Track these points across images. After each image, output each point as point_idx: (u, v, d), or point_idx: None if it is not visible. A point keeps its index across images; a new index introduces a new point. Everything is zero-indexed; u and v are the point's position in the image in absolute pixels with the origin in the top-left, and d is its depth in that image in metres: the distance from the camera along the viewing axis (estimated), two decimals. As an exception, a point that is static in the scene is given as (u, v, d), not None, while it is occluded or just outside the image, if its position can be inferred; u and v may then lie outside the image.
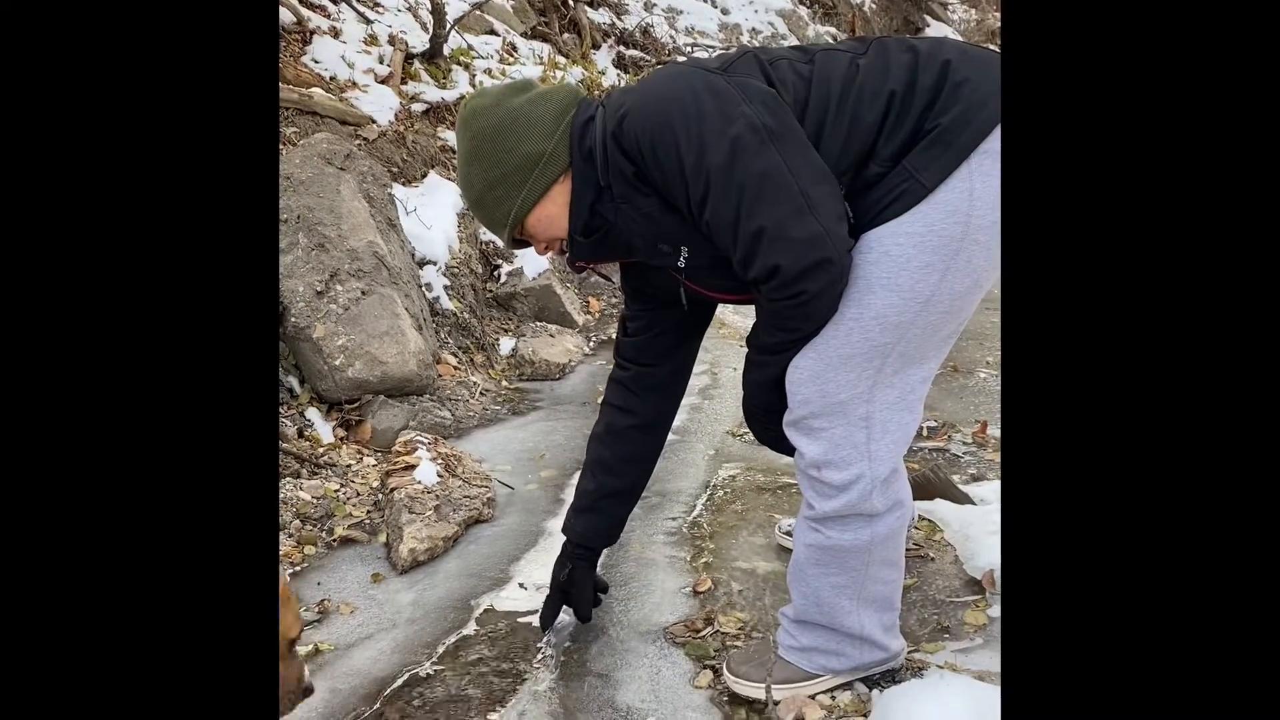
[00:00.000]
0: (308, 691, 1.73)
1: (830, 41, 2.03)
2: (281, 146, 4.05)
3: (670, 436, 3.39)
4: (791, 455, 1.75)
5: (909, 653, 1.90)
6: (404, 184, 4.62)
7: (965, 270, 1.55)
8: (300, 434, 3.18)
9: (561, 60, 7.03)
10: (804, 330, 1.61)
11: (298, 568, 2.51)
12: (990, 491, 2.66)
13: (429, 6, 5.69)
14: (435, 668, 2.03)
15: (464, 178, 1.72)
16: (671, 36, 9.10)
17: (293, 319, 3.33)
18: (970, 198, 1.50)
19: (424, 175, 4.84)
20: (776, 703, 1.80)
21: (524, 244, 1.78)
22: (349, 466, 3.09)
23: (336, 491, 2.89)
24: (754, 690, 1.83)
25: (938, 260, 1.53)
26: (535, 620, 2.20)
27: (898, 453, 1.68)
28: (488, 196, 1.68)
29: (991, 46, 2.63)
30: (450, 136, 5.30)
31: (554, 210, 1.68)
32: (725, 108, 1.49)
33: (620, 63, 7.91)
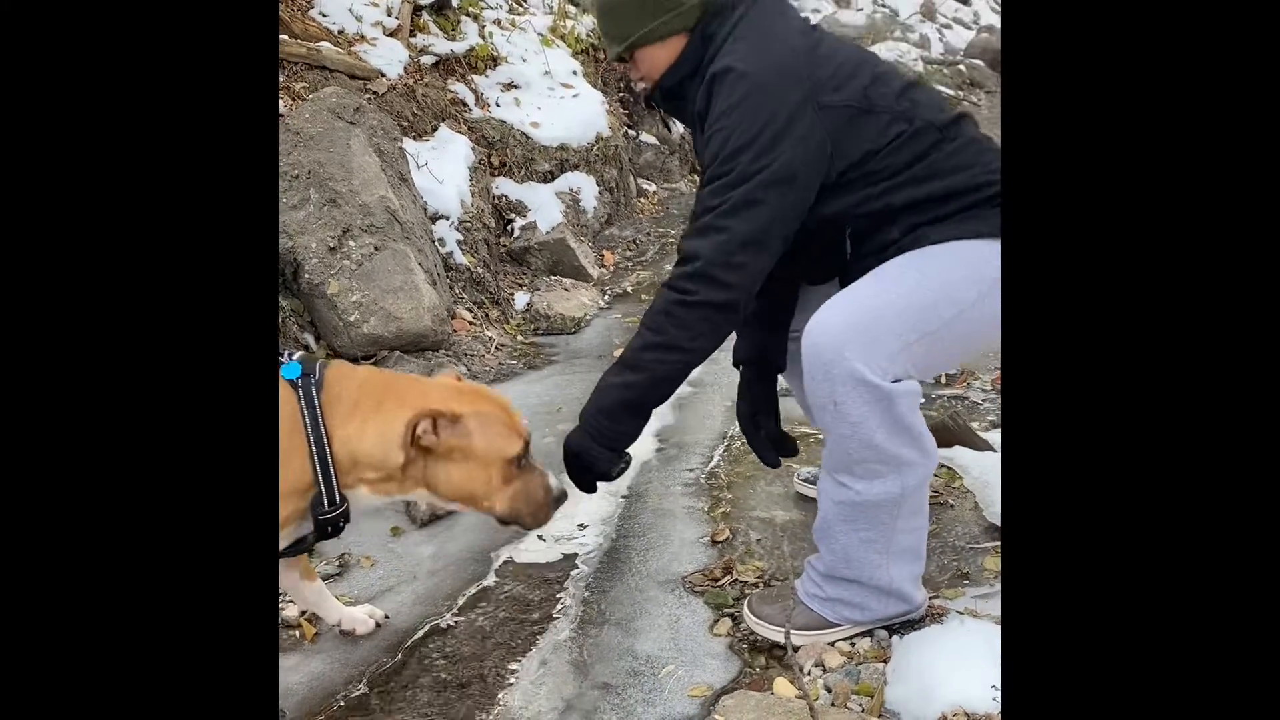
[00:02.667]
0: (560, 499, 1.76)
1: (938, 100, 2.07)
2: (291, 101, 4.01)
3: (686, 389, 3.41)
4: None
5: (929, 599, 1.90)
6: (414, 138, 4.58)
7: (993, 308, 1.66)
8: (317, 390, 3.18)
9: (572, 10, 6.91)
10: (666, 334, 1.74)
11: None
12: (1010, 438, 2.64)
13: (436, -44, 5.59)
14: (456, 619, 2.04)
15: None
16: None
17: (307, 275, 3.32)
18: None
19: (435, 129, 4.80)
20: (796, 648, 1.81)
21: (623, 62, 1.93)
22: (366, 422, 3.09)
23: (354, 447, 2.90)
24: (774, 632, 1.84)
25: (985, 285, 1.68)
26: (552, 572, 2.21)
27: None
28: (617, 10, 1.85)
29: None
30: (460, 89, 5.24)
31: (663, 56, 1.85)
32: (784, 134, 1.66)
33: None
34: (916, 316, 1.66)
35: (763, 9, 1.80)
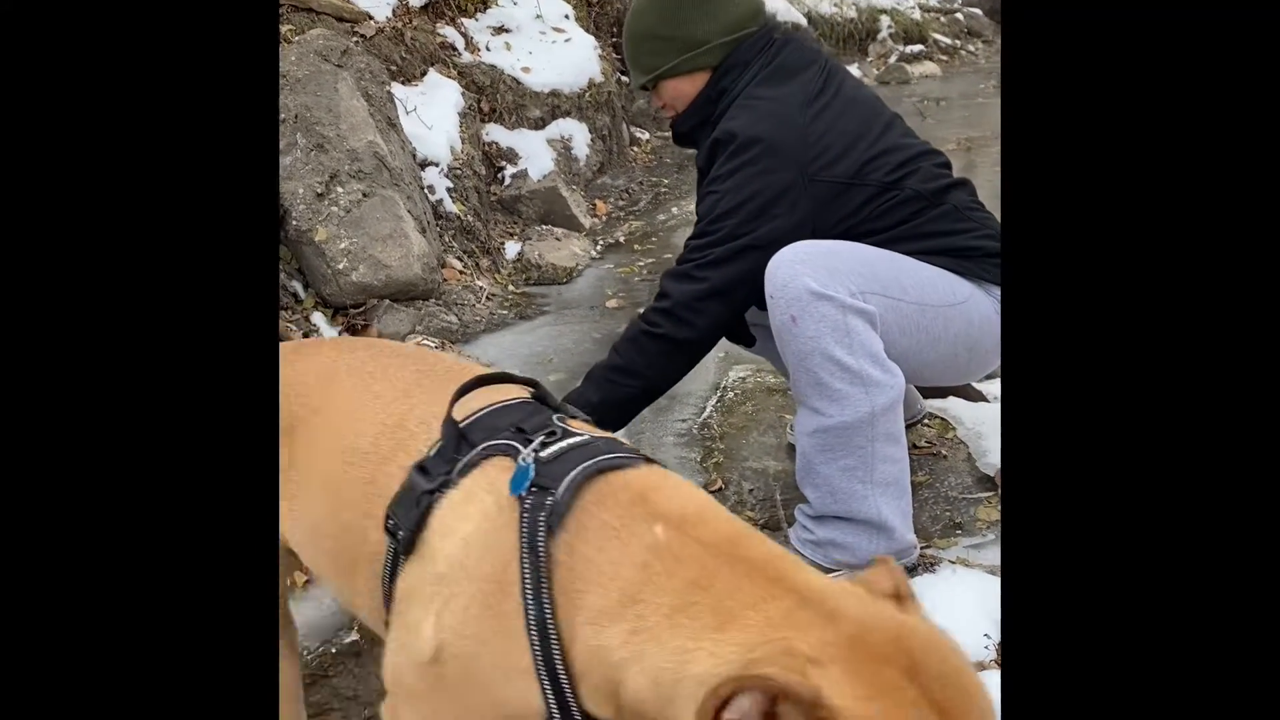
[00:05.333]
0: None
1: (934, 171, 1.91)
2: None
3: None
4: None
5: (921, 549, 1.90)
6: (403, 83, 4.49)
7: (973, 318, 1.84)
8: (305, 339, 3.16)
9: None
10: (628, 359, 1.87)
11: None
12: (1004, 390, 2.63)
13: (424, -106, 5.44)
14: (447, 567, 2.04)
15: (637, 12, 1.98)
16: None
17: (294, 222, 3.27)
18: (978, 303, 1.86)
19: (424, 73, 4.70)
20: (788, 598, 1.81)
21: (646, 90, 2.06)
22: (356, 371, 3.07)
23: (344, 396, 2.88)
24: (765, 585, 1.84)
25: (955, 302, 1.84)
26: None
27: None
28: (644, 45, 1.97)
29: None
30: (449, 33, 5.13)
31: (687, 89, 1.98)
32: (769, 207, 1.79)
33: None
34: (878, 272, 1.75)
35: (778, 69, 1.89)
